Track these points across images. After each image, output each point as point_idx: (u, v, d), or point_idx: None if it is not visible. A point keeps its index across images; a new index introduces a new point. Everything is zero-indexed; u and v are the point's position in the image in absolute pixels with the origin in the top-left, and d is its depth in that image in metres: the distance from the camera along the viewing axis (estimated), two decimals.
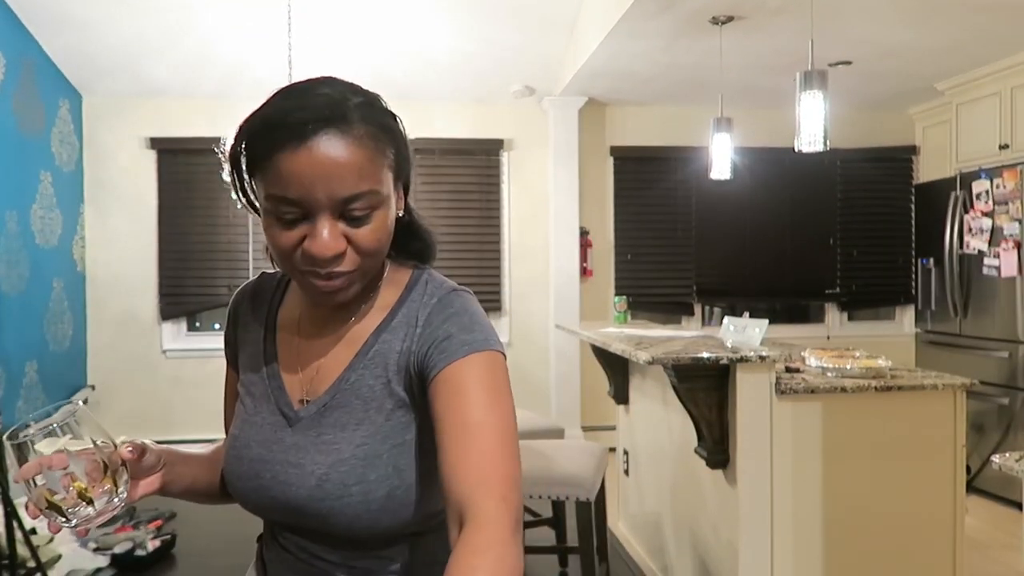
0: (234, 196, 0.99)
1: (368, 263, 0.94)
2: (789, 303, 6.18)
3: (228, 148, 0.97)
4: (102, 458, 0.90)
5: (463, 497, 0.83)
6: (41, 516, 0.90)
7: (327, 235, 0.88)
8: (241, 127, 0.94)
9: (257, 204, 0.96)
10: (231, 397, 1.12)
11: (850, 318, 6.08)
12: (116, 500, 0.91)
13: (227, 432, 1.13)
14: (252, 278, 1.15)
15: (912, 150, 5.95)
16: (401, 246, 1.04)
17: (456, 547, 0.80)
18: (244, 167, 0.94)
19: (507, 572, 0.78)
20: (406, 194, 1.00)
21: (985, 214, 4.57)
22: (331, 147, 0.86)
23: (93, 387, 5.32)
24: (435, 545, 0.98)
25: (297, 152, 0.86)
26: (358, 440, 0.96)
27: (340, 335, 1.01)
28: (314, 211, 0.88)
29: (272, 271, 1.13)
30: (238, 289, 1.15)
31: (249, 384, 1.07)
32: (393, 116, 0.95)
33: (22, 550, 2.90)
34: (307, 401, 1.01)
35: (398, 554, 0.99)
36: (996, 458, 1.70)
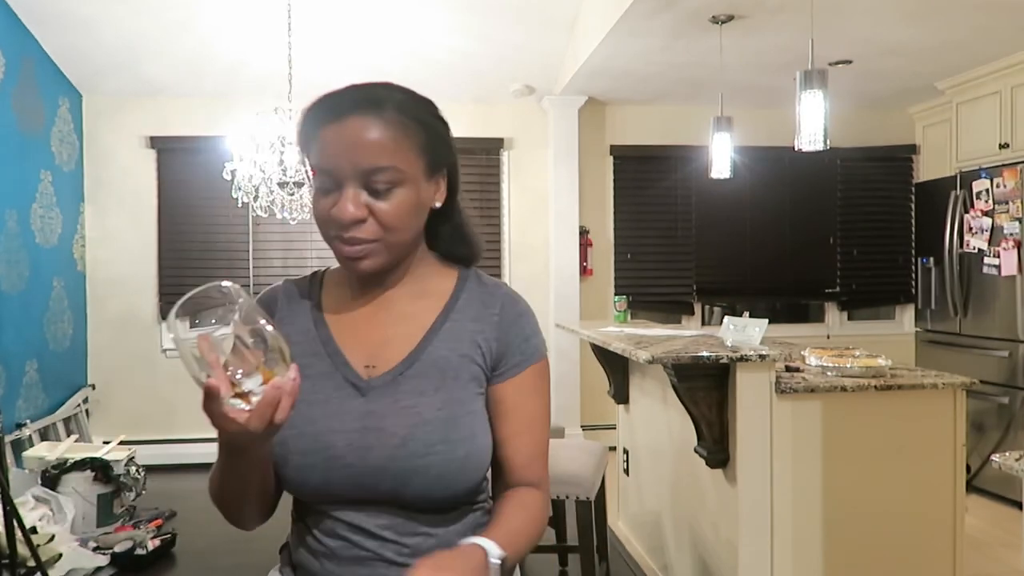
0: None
1: (390, 238, 1.02)
2: (789, 302, 6.18)
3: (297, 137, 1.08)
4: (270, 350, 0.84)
5: (527, 477, 1.10)
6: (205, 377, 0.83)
7: (347, 200, 0.99)
8: (301, 116, 1.06)
9: None
10: None
11: (850, 317, 6.08)
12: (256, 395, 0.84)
13: None
14: (275, 284, 1.18)
15: (912, 149, 5.95)
16: (448, 249, 1.15)
17: (522, 493, 1.08)
18: (304, 154, 1.06)
19: (545, 521, 1.10)
20: (452, 193, 1.11)
21: (985, 213, 4.57)
22: (360, 125, 0.99)
23: (93, 386, 5.33)
24: (474, 525, 1.09)
25: (333, 127, 0.99)
26: (438, 404, 1.04)
27: (403, 314, 1.10)
28: (342, 180, 0.99)
29: (294, 278, 1.18)
30: (267, 291, 1.17)
31: (302, 368, 1.04)
32: (436, 115, 1.07)
33: (22, 549, 2.90)
34: (374, 372, 1.06)
35: (442, 532, 1.06)
36: (996, 457, 1.70)
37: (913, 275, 5.66)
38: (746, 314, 4.69)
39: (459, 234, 1.15)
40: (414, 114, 1.03)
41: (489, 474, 1.13)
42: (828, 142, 3.14)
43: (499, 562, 0.94)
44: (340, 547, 1.05)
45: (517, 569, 1.20)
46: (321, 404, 1.05)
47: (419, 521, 1.04)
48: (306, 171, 1.07)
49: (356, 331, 1.09)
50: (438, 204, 1.09)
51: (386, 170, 0.99)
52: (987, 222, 4.54)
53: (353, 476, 1.02)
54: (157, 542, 3.61)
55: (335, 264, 1.12)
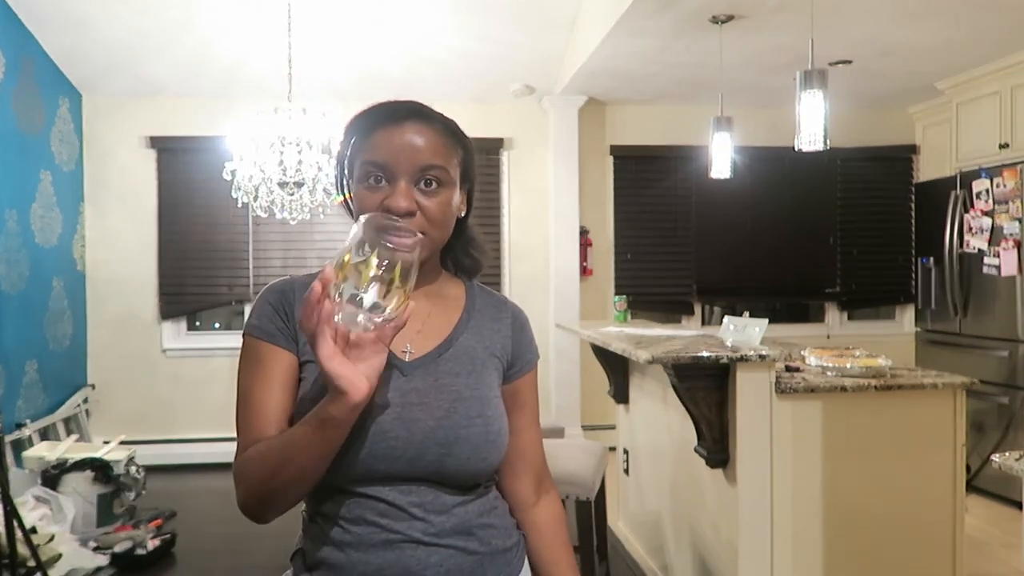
0: (336, 195, 1.17)
1: (432, 233, 1.11)
2: (789, 302, 6.18)
3: (337, 150, 1.18)
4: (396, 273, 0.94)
5: (543, 466, 1.29)
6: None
7: (402, 194, 1.09)
8: (349, 122, 1.16)
9: (350, 200, 1.16)
10: (285, 381, 1.11)
11: (850, 317, 6.08)
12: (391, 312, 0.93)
13: (259, 419, 1.09)
14: (283, 278, 1.18)
15: (912, 149, 5.95)
16: (457, 259, 1.25)
17: (555, 505, 1.28)
18: (347, 155, 1.15)
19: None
20: (469, 208, 1.22)
21: (985, 213, 4.57)
22: (416, 129, 1.11)
23: (93, 386, 5.33)
24: (488, 506, 1.17)
25: (390, 129, 1.11)
26: (472, 384, 1.15)
27: (427, 311, 1.18)
28: (396, 175, 1.09)
29: (302, 275, 1.20)
30: (280, 283, 1.17)
31: None
32: (464, 133, 1.19)
33: (22, 549, 2.90)
34: (412, 355, 1.14)
35: (462, 511, 1.12)
36: (996, 457, 1.70)
37: (913, 275, 5.66)
38: (746, 314, 4.69)
39: (469, 248, 1.26)
40: (455, 131, 1.17)
41: (506, 464, 1.23)
42: (828, 142, 3.13)
43: None
44: (368, 533, 1.08)
45: (527, 567, 1.22)
46: None
47: (446, 500, 1.11)
48: (341, 173, 1.19)
49: None
50: (461, 214, 1.21)
51: (437, 168, 1.11)
52: (987, 222, 4.54)
53: (398, 449, 1.07)
54: (157, 542, 3.61)
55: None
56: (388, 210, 1.08)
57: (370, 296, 0.92)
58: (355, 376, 0.95)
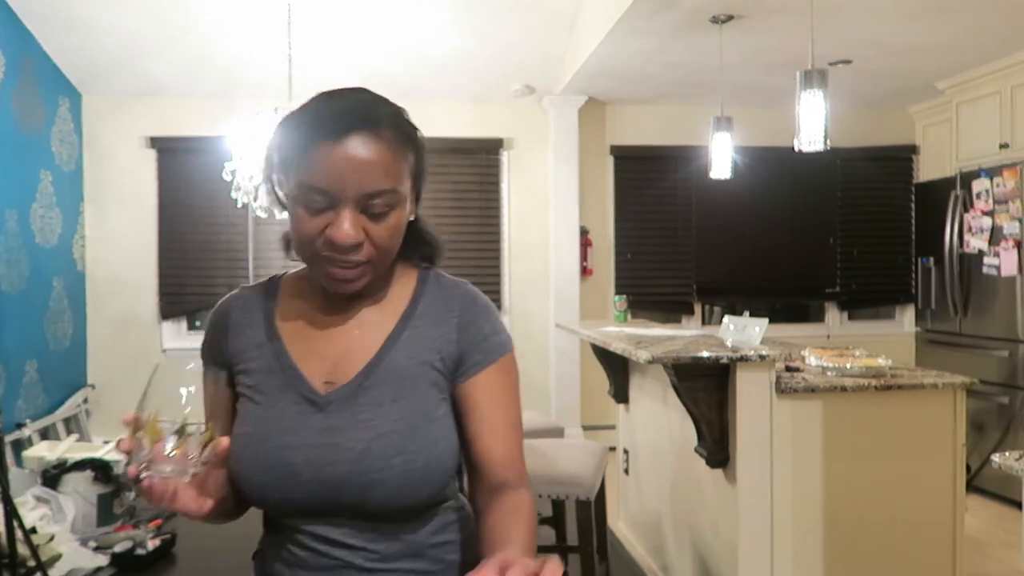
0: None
1: (380, 258, 1.03)
2: (789, 302, 6.18)
3: (267, 142, 1.07)
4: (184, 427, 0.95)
5: (506, 475, 1.07)
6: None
7: (348, 224, 0.97)
8: (281, 123, 1.04)
9: (280, 196, 1.07)
10: (222, 403, 1.12)
11: (850, 317, 6.08)
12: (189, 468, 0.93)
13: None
14: (232, 292, 1.20)
15: (912, 149, 5.94)
16: (411, 250, 1.13)
17: (511, 498, 1.05)
18: (278, 160, 1.04)
19: (535, 518, 1.10)
20: (417, 200, 1.10)
21: (985, 213, 4.57)
22: (362, 146, 0.97)
23: (93, 386, 5.32)
24: (443, 524, 1.10)
25: (332, 147, 0.96)
26: (396, 415, 1.04)
27: (361, 324, 1.09)
28: (340, 202, 0.97)
29: (251, 284, 1.19)
30: (221, 303, 1.19)
31: (258, 383, 1.09)
32: (415, 128, 1.06)
33: (22, 549, 2.90)
34: (332, 386, 1.06)
35: (413, 534, 1.07)
36: (996, 457, 1.70)
37: (913, 275, 5.66)
38: (746, 314, 4.69)
39: (420, 235, 1.14)
40: (405, 131, 1.03)
41: (466, 472, 1.13)
42: (828, 142, 3.13)
43: None
44: (309, 557, 1.06)
45: None
46: (276, 420, 1.05)
47: (385, 529, 1.05)
48: (273, 183, 1.08)
49: (313, 344, 1.09)
50: (412, 218, 1.09)
51: (387, 193, 0.99)
52: (987, 222, 4.54)
53: (312, 491, 1.02)
54: (157, 542, 3.61)
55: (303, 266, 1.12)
56: (333, 245, 0.99)
57: (171, 445, 0.94)
58: (198, 502, 0.96)
